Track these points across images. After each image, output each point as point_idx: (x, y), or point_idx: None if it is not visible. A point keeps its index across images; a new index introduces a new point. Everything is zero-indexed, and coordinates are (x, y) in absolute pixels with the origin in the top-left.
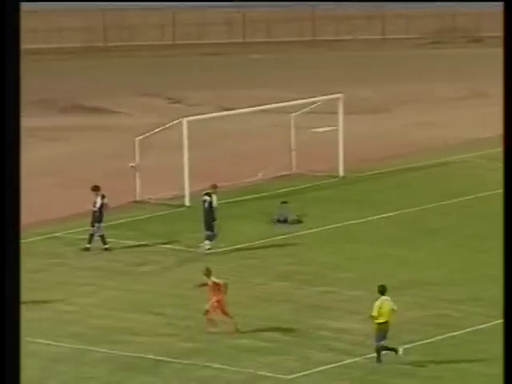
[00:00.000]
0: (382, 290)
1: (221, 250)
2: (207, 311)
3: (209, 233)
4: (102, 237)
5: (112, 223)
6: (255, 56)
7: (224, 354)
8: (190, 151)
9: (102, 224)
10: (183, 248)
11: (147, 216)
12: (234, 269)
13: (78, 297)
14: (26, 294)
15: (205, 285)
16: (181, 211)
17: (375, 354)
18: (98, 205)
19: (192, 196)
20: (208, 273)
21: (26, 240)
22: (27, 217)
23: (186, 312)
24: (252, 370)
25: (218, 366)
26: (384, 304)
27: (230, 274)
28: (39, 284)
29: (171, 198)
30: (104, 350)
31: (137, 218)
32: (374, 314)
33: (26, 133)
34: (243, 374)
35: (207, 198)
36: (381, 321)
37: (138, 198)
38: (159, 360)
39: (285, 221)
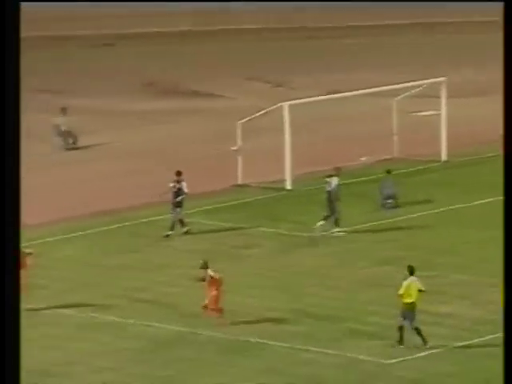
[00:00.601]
0: (411, 271)
1: (324, 233)
2: (205, 306)
3: (328, 215)
4: (173, 222)
5: (216, 206)
6: (358, 40)
7: (326, 338)
8: (292, 135)
9: (180, 209)
10: (285, 232)
11: (249, 199)
12: (338, 252)
13: (180, 279)
14: (128, 274)
15: (203, 280)
16: (282, 195)
17: (398, 334)
18: (184, 189)
19: (294, 180)
20: (205, 265)
21: (137, 221)
22: (134, 199)
23: (289, 296)
24: (353, 354)
25: (320, 349)
26: (412, 284)
27: (334, 258)
28: (143, 265)
29: (273, 182)
30: (208, 333)
31: (239, 201)
32: (401, 292)
33: (134, 116)
34: (344, 357)
35: (329, 180)
36: (408, 301)
37: (239, 182)
38: (262, 343)
39: (390, 204)
